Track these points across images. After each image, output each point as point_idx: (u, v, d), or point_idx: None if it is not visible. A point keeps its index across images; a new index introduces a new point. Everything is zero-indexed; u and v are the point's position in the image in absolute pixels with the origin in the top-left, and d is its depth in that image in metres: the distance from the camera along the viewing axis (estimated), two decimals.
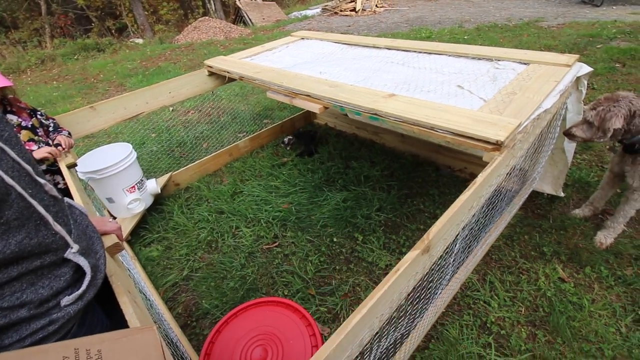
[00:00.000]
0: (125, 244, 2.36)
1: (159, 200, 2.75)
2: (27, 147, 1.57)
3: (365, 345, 0.83)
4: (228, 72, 2.37)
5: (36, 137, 1.63)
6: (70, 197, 1.40)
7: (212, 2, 15.85)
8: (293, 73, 2.07)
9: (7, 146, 0.67)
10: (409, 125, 1.37)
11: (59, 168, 1.59)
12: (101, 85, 6.63)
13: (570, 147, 2.01)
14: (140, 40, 11.95)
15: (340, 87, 1.74)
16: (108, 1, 15.44)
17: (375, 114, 1.47)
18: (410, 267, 0.82)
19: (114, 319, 0.94)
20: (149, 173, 3.18)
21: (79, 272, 0.78)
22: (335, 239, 2.19)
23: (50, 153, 1.53)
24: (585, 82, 1.73)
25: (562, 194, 2.20)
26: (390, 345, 1.14)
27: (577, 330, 1.50)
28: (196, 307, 1.93)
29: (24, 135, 1.58)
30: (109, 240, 1.03)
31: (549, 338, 1.50)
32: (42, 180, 0.73)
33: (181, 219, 2.55)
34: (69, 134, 1.88)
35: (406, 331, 1.24)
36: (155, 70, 7.05)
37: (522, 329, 1.55)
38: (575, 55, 1.75)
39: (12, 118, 1.58)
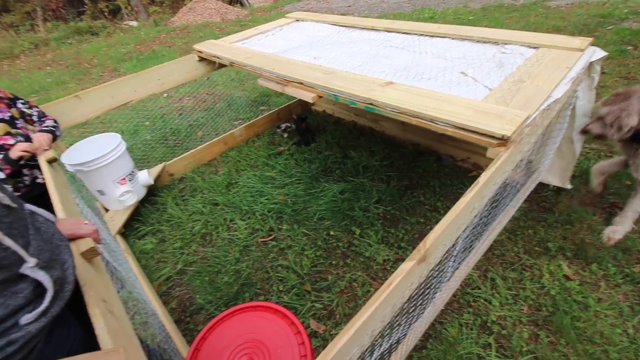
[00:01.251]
0: (118, 237, 2.30)
1: (152, 191, 2.68)
2: (2, 142, 1.48)
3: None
4: (218, 57, 2.25)
5: (13, 130, 1.54)
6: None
7: None
8: (286, 58, 1.95)
9: None
10: (407, 117, 1.28)
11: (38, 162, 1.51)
12: (95, 71, 6.47)
13: (579, 137, 1.90)
14: (134, 23, 11.63)
15: (335, 74, 1.64)
16: None
17: (371, 104, 1.37)
18: (404, 279, 0.75)
19: (93, 330, 0.88)
20: (143, 163, 3.10)
21: (40, 287, 0.71)
22: (332, 233, 2.12)
23: (25, 151, 1.45)
24: (599, 68, 1.61)
25: (570, 186, 2.11)
26: (385, 351, 1.08)
27: (582, 331, 1.45)
28: (190, 302, 1.89)
29: (0, 128, 1.49)
30: (83, 245, 0.97)
31: (552, 339, 1.45)
32: None
33: (175, 211, 2.48)
34: (55, 122, 1.79)
35: (402, 335, 1.18)
36: (150, 54, 6.86)
37: (524, 329, 1.50)
38: (588, 38, 1.62)
39: None
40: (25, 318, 0.68)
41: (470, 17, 6.13)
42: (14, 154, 1.46)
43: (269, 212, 2.33)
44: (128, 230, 2.41)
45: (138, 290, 1.82)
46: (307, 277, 1.89)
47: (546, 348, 1.41)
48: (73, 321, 0.87)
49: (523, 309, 1.57)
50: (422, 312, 1.21)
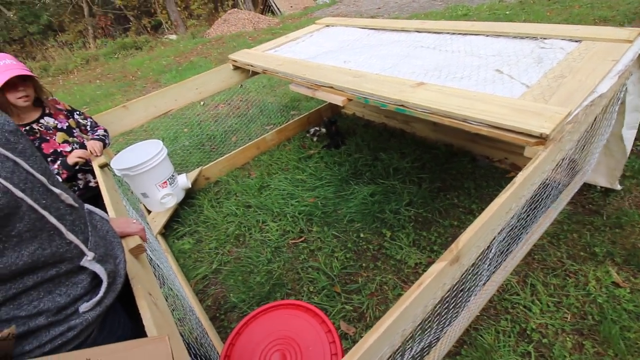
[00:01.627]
0: (159, 237, 2.46)
1: (190, 194, 2.83)
2: (61, 149, 1.65)
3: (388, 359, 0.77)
4: (252, 66, 2.34)
5: (70, 139, 1.70)
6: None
7: None
8: (316, 64, 1.99)
9: (20, 158, 0.67)
10: (439, 117, 1.26)
11: (91, 167, 1.66)
12: (139, 83, 6.94)
13: (629, 134, 1.77)
14: (174, 36, 12.34)
15: (365, 77, 1.65)
16: (143, 0, 16.05)
17: (402, 106, 1.37)
18: (436, 280, 0.75)
19: (139, 320, 0.95)
20: (181, 167, 3.28)
21: (96, 278, 0.79)
22: (362, 235, 2.12)
23: (80, 157, 1.60)
24: None
25: (619, 187, 1.96)
26: (417, 354, 1.07)
27: (633, 342, 1.33)
28: (224, 300, 1.97)
29: (59, 137, 1.66)
30: (132, 242, 1.05)
31: (599, 349, 1.35)
32: (57, 190, 0.74)
33: (211, 213, 2.60)
34: (105, 131, 1.95)
35: (435, 338, 1.16)
36: (188, 65, 7.24)
37: (567, 338, 1.41)
38: (637, 28, 1.51)
39: (49, 121, 1.66)
40: (84, 306, 0.75)
41: (507, 12, 5.89)
42: (71, 160, 1.62)
43: (299, 214, 2.37)
44: (168, 230, 2.56)
45: (177, 288, 1.92)
46: (337, 279, 1.90)
47: (592, 359, 1.32)
48: (122, 312, 0.95)
49: (566, 317, 1.48)
50: (456, 316, 1.18)
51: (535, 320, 1.50)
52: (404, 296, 0.70)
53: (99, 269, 0.77)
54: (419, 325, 0.82)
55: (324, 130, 3.14)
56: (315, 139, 3.21)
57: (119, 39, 12.67)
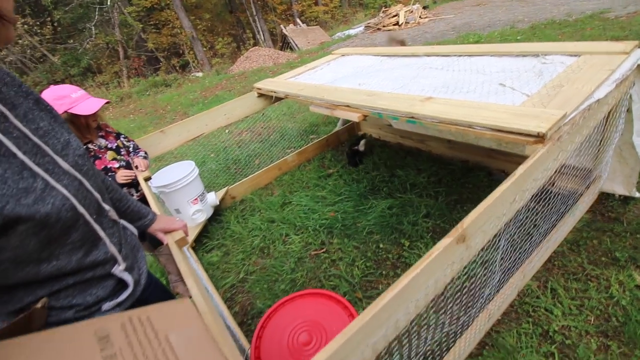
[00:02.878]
0: (190, 249, 2.61)
1: (218, 211, 3.01)
2: (110, 165, 1.87)
3: (403, 331, 0.86)
4: (275, 92, 2.58)
5: (118, 157, 1.94)
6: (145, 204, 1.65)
7: (261, 33, 17.15)
8: (333, 87, 2.19)
9: (84, 178, 0.81)
10: (446, 125, 1.39)
11: (134, 182, 1.87)
12: (169, 115, 7.48)
13: None
14: (200, 74, 13.28)
15: (378, 96, 1.81)
16: (173, 42, 17.54)
17: (412, 117, 1.51)
18: (443, 255, 0.84)
19: None
20: (209, 188, 3.49)
21: (120, 284, 0.91)
22: (381, 245, 2.20)
23: (127, 178, 1.81)
24: None
25: (638, 195, 1.97)
26: (436, 345, 1.13)
27: None
28: (251, 306, 2.07)
29: (109, 155, 1.90)
30: (177, 235, 1.20)
31: (625, 350, 1.34)
32: (106, 207, 0.89)
33: (237, 228, 2.76)
34: (146, 153, 2.19)
35: (451, 331, 1.21)
36: (213, 98, 7.77)
37: (592, 340, 1.41)
38: (634, 41, 1.62)
39: (102, 141, 1.91)
40: (106, 305, 0.86)
41: (519, 37, 6.07)
42: (120, 179, 1.83)
43: (320, 227, 2.49)
44: (198, 244, 2.72)
45: (210, 294, 2.05)
46: (358, 286, 1.97)
47: (618, 359, 1.31)
48: None
49: (590, 320, 1.48)
50: (472, 306, 1.23)
51: (558, 322, 1.51)
52: (415, 264, 0.80)
53: (127, 277, 0.90)
54: (432, 301, 0.91)
55: (361, 148, 3.17)
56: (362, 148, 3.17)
57: (150, 78, 13.74)
